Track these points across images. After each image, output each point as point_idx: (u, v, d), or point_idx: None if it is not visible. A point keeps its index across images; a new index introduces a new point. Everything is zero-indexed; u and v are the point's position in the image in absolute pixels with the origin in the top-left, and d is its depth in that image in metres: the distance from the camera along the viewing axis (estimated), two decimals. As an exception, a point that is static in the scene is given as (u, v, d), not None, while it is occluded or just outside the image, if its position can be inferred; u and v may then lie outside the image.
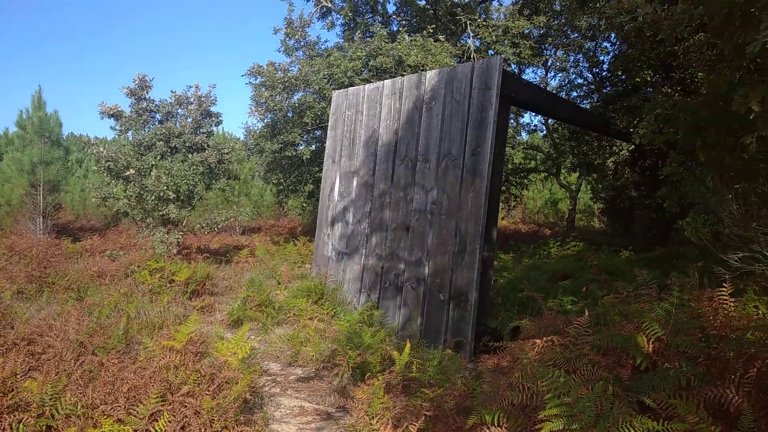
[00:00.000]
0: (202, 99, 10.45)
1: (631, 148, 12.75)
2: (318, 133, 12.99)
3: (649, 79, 10.98)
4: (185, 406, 3.01)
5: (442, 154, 6.20)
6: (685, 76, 11.07)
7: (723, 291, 2.80)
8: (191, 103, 10.49)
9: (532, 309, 6.10)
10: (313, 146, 13.41)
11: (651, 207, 16.71)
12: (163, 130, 9.93)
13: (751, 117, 2.27)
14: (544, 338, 2.73)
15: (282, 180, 14.16)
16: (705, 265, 3.91)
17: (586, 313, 2.68)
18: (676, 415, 2.01)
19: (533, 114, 18.04)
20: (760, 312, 2.74)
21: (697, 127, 3.40)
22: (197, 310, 7.56)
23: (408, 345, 3.72)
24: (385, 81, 7.15)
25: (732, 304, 2.75)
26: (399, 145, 6.76)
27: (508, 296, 7.64)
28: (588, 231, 19.93)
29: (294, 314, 6.76)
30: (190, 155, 9.98)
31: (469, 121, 5.97)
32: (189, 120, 10.45)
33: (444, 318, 5.93)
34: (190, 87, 10.55)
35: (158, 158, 9.94)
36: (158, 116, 10.49)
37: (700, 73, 4.47)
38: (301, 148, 12.97)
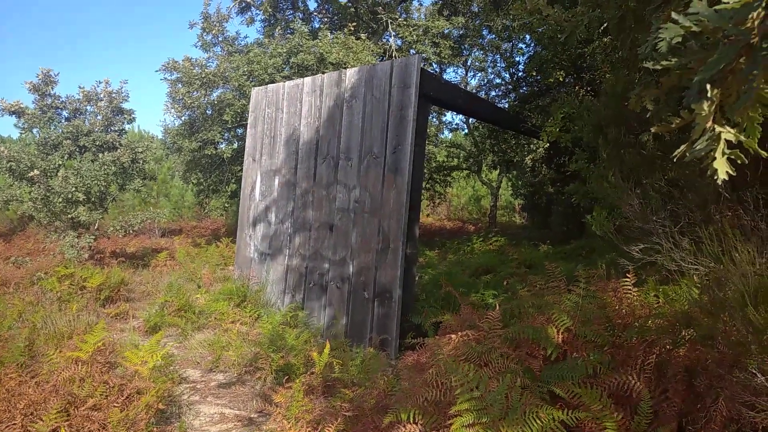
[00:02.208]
0: (113, 95, 9.93)
1: (546, 145, 13.29)
2: (239, 131, 12.67)
3: (561, 79, 11.48)
4: (90, 420, 2.82)
5: (364, 152, 6.20)
6: (594, 77, 11.64)
7: (626, 281, 2.96)
8: (101, 100, 9.95)
9: (455, 304, 6.22)
10: (235, 144, 13.08)
11: (566, 202, 17.49)
12: (71, 128, 9.36)
13: (647, 116, 2.40)
14: (460, 333, 2.77)
15: (202, 180, 13.69)
16: (613, 258, 4.12)
17: (497, 307, 2.74)
18: (583, 403, 2.10)
19: (455, 113, 18.45)
20: (660, 300, 2.90)
21: (599, 125, 3.58)
22: (111, 317, 7.20)
23: (328, 345, 3.68)
24: (305, 78, 7.06)
25: (635, 294, 2.91)
26: (321, 143, 6.71)
27: (432, 292, 7.76)
28: (509, 226, 20.59)
29: (215, 318, 6.57)
30: (100, 154, 9.46)
31: (389, 119, 6.00)
32: (99, 117, 9.90)
33: (369, 316, 5.94)
34: (100, 83, 10.00)
35: (66, 158, 9.36)
36: (65, 113, 9.88)
37: (607, 74, 4.70)
38: (221, 146, 12.61)
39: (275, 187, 7.26)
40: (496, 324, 2.67)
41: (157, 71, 11.85)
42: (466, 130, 19.71)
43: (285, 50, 11.29)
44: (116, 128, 10.09)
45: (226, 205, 14.74)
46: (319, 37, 11.68)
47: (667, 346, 2.36)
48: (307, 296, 6.67)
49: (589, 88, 12.43)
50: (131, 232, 10.10)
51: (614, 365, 2.42)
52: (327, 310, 6.41)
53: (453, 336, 2.75)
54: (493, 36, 15.68)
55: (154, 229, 16.71)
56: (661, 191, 2.98)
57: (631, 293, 2.88)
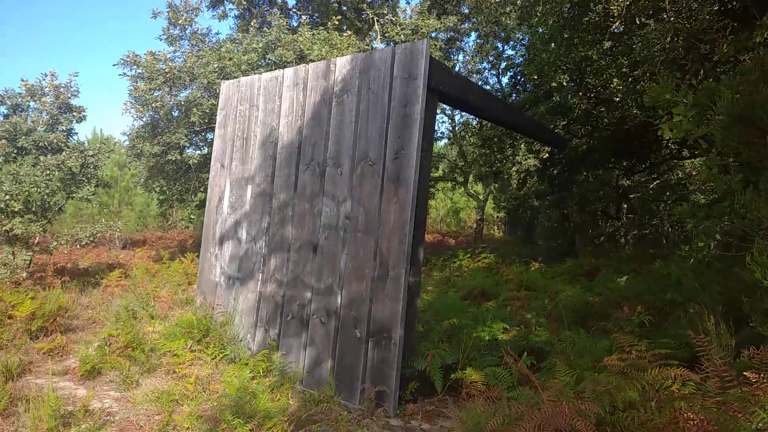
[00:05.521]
0: (61, 89, 8.60)
1: (544, 156, 12.36)
2: (209, 136, 11.41)
3: (564, 83, 10.57)
4: None
5: (357, 157, 5.06)
6: (599, 81, 10.77)
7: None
8: (46, 95, 8.61)
9: (466, 345, 5.10)
10: (204, 150, 11.83)
11: (554, 217, 16.61)
12: (7, 126, 8.01)
13: None
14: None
15: (166, 188, 12.32)
16: (710, 305, 3.01)
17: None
18: None
19: (440, 120, 17.48)
20: None
21: (750, 108, 2.50)
22: (43, 353, 5.89)
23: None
24: (286, 70, 5.92)
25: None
26: (304, 146, 5.55)
27: (430, 323, 6.64)
28: (491, 240, 19.73)
29: (170, 358, 5.32)
30: (42, 157, 8.12)
31: (390, 118, 4.89)
32: (44, 115, 8.57)
33: (361, 360, 4.77)
34: (45, 75, 8.68)
35: (0, 161, 8.00)
36: (3, 109, 8.53)
37: (724, 48, 3.67)
38: (188, 151, 11.34)
39: (247, 198, 6.07)
40: None
41: (114, 65, 10.57)
42: (446, 140, 18.85)
43: (261, 45, 10.13)
44: (64, 128, 8.76)
45: (192, 216, 13.43)
46: (299, 33, 10.55)
47: None
48: (284, 332, 5.47)
49: (591, 95, 11.57)
50: (78, 246, 8.76)
51: None
52: (308, 350, 5.22)
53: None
54: (481, 41, 14.83)
55: (115, 240, 15.28)
56: None
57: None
